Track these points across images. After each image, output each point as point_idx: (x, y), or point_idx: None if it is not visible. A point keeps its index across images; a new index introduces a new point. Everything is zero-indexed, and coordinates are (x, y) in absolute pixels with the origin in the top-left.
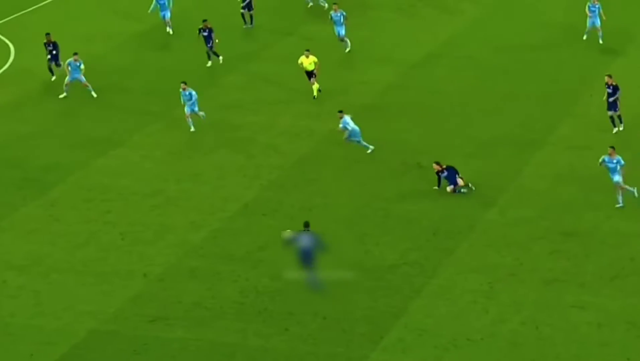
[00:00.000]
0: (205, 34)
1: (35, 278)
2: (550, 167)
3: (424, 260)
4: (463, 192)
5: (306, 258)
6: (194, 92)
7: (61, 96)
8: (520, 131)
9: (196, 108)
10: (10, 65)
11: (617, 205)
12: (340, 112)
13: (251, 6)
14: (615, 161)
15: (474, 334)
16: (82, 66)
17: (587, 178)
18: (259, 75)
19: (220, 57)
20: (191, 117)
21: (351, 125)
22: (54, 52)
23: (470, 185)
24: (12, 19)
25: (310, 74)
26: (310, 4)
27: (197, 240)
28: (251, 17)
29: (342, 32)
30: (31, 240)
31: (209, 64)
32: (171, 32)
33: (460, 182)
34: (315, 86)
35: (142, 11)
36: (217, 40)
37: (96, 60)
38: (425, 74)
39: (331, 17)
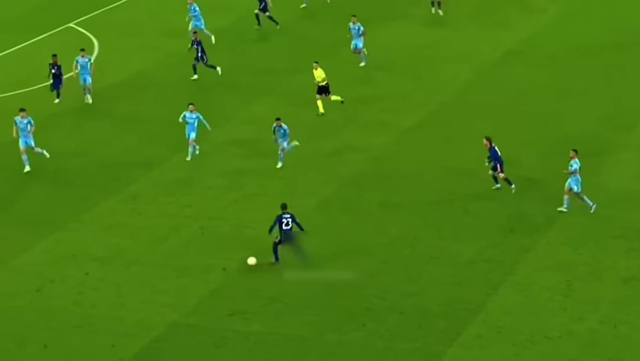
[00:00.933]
0: (196, 46)
1: (116, 271)
2: (627, 165)
3: (501, 257)
4: (497, 186)
5: (288, 237)
6: (201, 116)
7: (89, 101)
8: (597, 130)
9: (194, 134)
10: (94, 60)
11: (560, 208)
12: (278, 119)
13: (266, 8)
14: (570, 164)
15: (551, 331)
16: (91, 62)
17: None
18: (335, 72)
19: (218, 68)
20: (190, 144)
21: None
22: (60, 75)
23: (498, 185)
24: (95, 15)
25: (321, 90)
26: (304, 4)
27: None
28: (271, 18)
29: (360, 44)
30: (113, 233)
31: (195, 77)
32: (213, 40)
33: (500, 175)
34: (334, 99)
35: (224, 6)
36: (189, 48)
37: (174, 57)
38: (504, 72)
39: (349, 30)
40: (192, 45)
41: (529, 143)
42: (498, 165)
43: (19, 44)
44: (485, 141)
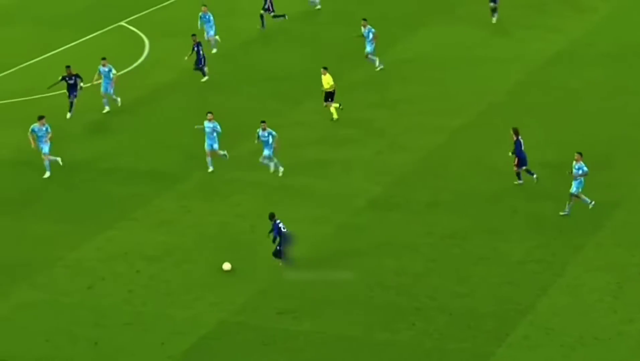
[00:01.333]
0: (196, 49)
1: (167, 269)
2: None
3: (551, 258)
4: (520, 181)
5: (287, 239)
6: (218, 126)
7: (105, 111)
8: None
9: (216, 145)
10: (145, 59)
11: (561, 213)
12: (263, 122)
13: (271, 9)
14: (577, 167)
15: (601, 333)
16: (113, 71)
17: None
18: (386, 72)
19: (206, 76)
20: (211, 155)
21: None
22: (75, 86)
23: (535, 177)
24: (145, 13)
25: (327, 96)
26: (318, 6)
27: (324, 234)
28: (268, 15)
29: (369, 49)
30: (163, 231)
31: (205, 78)
32: (214, 50)
33: (515, 168)
34: (334, 106)
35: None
36: (185, 58)
37: (222, 57)
38: (555, 72)
39: (362, 34)
40: (193, 49)
41: (580, 143)
42: (517, 159)
43: (70, 42)
44: (512, 133)
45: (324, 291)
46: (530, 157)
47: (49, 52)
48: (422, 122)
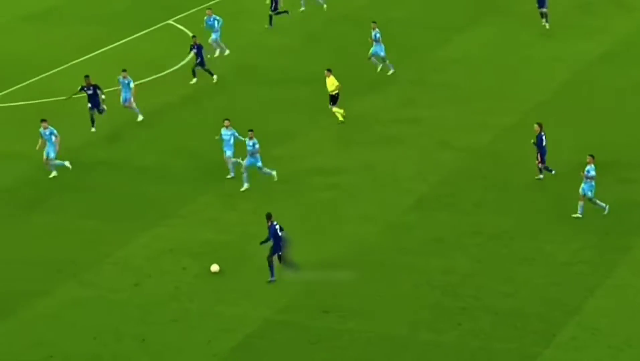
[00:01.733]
0: (195, 50)
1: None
2: None
3: (598, 259)
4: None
5: (284, 242)
6: (236, 132)
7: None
8: None
9: (229, 153)
10: (192, 58)
11: (575, 215)
12: (251, 131)
13: (277, 7)
14: (586, 170)
15: None
16: (132, 84)
17: None
18: (435, 72)
19: (215, 76)
20: (228, 162)
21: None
22: (96, 97)
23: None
24: (193, 12)
25: (332, 98)
26: (303, 8)
27: (371, 234)
28: (278, 13)
29: (380, 51)
30: (209, 229)
31: (193, 80)
32: (227, 52)
33: (540, 165)
34: (339, 111)
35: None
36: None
37: (275, 53)
38: (602, 72)
39: (371, 36)
40: (191, 49)
41: (627, 144)
42: (539, 155)
43: (118, 41)
44: (536, 127)
45: (369, 290)
46: (574, 157)
47: (97, 50)
48: (469, 121)
